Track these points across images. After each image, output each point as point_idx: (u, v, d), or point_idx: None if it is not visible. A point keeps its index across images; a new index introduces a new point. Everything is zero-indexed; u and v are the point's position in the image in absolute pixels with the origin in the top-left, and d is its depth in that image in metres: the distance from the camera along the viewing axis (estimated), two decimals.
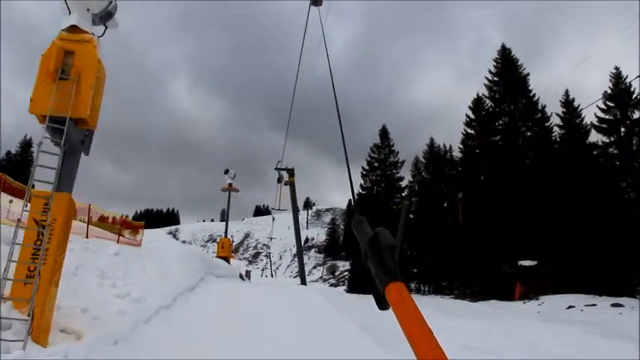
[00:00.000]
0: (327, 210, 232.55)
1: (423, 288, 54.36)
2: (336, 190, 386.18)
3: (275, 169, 37.23)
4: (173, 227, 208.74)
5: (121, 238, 16.02)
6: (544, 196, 35.23)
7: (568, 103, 39.42)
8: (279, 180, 37.25)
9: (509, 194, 37.08)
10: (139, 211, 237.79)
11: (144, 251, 16.61)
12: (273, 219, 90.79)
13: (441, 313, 22.72)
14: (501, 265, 34.89)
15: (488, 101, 45.69)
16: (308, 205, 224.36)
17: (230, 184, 38.98)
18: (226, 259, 34.64)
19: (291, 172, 36.45)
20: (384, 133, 61.67)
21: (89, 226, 14.67)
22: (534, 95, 42.37)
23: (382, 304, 0.98)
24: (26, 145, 64.08)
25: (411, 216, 55.95)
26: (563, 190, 33.88)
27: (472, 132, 47.86)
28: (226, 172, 39.24)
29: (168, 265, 16.17)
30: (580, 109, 38.59)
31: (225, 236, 38.62)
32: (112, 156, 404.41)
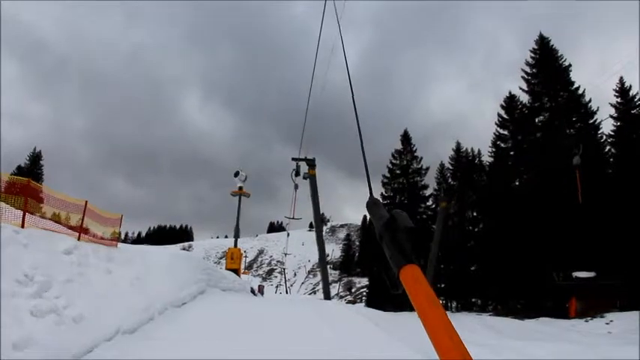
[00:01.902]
0: (342, 226, 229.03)
1: (450, 304, 49.85)
2: (350, 205, 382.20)
3: (292, 159, 32.58)
4: (186, 244, 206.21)
5: (85, 233, 11.87)
6: (598, 198, 30.79)
7: (624, 92, 34.96)
8: (297, 173, 32.38)
9: (554, 197, 32.61)
10: (152, 228, 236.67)
11: (119, 253, 12.42)
12: (288, 234, 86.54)
13: (502, 336, 18.37)
14: (552, 276, 30.22)
15: (523, 98, 41.58)
16: (322, 220, 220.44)
17: (240, 188, 34.90)
18: (236, 272, 30.47)
19: (311, 163, 31.58)
20: (405, 137, 57.63)
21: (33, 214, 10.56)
22: (578, 88, 37.98)
23: (395, 287, 0.95)
24: (35, 157, 62.31)
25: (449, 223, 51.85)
26: (622, 188, 29.41)
27: (505, 132, 43.77)
28: (236, 174, 35.11)
29: (152, 273, 12.05)
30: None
31: (235, 246, 34.41)
32: (125, 171, 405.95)
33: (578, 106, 37.40)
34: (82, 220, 11.65)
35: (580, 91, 37.81)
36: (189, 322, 10.53)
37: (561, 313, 27.87)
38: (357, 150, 1.71)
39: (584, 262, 29.39)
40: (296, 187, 35.89)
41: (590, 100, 37.46)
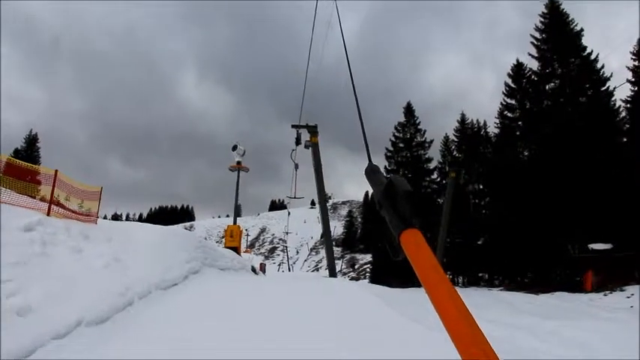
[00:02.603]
0: (344, 203, 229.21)
1: (456, 279, 48.81)
2: (351, 182, 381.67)
3: (292, 126, 30.75)
4: (188, 223, 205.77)
5: (56, 206, 10.25)
6: (612, 167, 29.41)
7: None
8: (298, 142, 30.55)
9: (566, 166, 31.16)
10: (153, 208, 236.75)
11: (97, 230, 10.93)
12: (289, 213, 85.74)
13: (522, 312, 17.11)
14: (566, 249, 28.93)
15: (532, 65, 39.84)
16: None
17: (239, 162, 33.28)
18: (236, 250, 29.10)
19: (312, 130, 29.76)
20: (408, 110, 56.15)
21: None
22: (590, 53, 36.17)
23: (396, 253, 0.92)
24: (31, 140, 60.99)
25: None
26: (637, 156, 27.97)
27: (513, 102, 42.19)
28: (234, 148, 33.42)
29: (136, 252, 10.60)
30: None
31: (235, 223, 32.93)
32: (123, 153, 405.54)
33: (591, 72, 35.71)
34: (52, 192, 10.20)
35: (593, 57, 36.05)
36: (177, 305, 9.06)
37: (572, 287, 26.68)
38: (357, 125, 1.61)
39: (599, 233, 28.11)
40: (296, 166, 34.45)
41: (603, 67, 35.80)
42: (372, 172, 1.13)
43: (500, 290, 32.33)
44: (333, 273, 29.51)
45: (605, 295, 23.58)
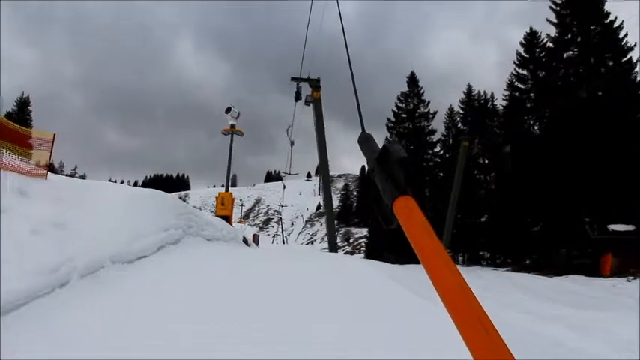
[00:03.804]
0: (340, 176, 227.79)
1: (457, 257, 47.13)
2: (347, 156, 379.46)
3: (292, 79, 27.99)
4: (182, 193, 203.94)
5: None
6: (631, 142, 27.36)
7: None
8: (297, 96, 27.80)
9: (583, 140, 28.99)
10: (148, 177, 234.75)
11: (45, 187, 8.48)
12: (284, 187, 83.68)
13: (547, 300, 15.15)
14: (584, 230, 26.92)
15: (549, 31, 37.32)
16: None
17: (233, 126, 30.77)
18: (227, 219, 26.93)
19: (315, 84, 26.93)
20: (412, 80, 53.52)
21: None
22: (613, 20, 33.60)
23: (389, 221, 0.91)
24: (23, 103, 58.45)
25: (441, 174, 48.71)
26: None
27: (525, 72, 39.84)
28: (228, 110, 30.88)
29: (90, 215, 8.32)
30: None
31: (227, 190, 30.59)
32: (118, 120, 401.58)
33: (614, 41, 33.25)
34: None
35: (616, 24, 33.51)
36: (137, 286, 6.87)
37: (587, 270, 24.76)
38: (353, 97, 1.51)
39: (620, 214, 26.15)
40: (292, 143, 32.40)
41: (626, 35, 33.30)
42: (365, 140, 1.10)
43: (507, 271, 30.46)
44: (333, 247, 27.02)
45: (628, 280, 21.62)
